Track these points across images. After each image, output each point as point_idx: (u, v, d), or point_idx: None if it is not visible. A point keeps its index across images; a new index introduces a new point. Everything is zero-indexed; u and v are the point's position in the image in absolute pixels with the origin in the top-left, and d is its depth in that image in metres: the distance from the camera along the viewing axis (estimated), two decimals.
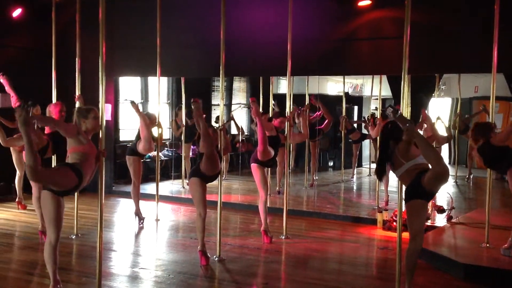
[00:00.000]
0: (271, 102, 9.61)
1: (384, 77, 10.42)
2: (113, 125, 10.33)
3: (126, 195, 9.03)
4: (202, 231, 5.79)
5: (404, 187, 4.82)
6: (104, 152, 4.74)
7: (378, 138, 8.89)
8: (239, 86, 14.43)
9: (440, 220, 7.58)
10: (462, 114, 11.69)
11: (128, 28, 9.70)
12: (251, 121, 13.93)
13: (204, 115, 5.85)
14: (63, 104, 6.58)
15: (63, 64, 7.42)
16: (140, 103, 11.78)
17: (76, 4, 6.83)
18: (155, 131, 7.88)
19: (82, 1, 6.84)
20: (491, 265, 5.61)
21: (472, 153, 5.96)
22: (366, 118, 12.13)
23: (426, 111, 7.86)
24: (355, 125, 12.28)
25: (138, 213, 7.64)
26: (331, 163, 13.81)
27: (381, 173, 4.95)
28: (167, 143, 12.09)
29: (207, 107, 13.04)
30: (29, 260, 5.94)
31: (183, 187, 10.36)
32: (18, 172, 8.21)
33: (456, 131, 11.40)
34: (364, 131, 12.34)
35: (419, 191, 4.58)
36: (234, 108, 13.88)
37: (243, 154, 12.93)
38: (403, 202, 4.75)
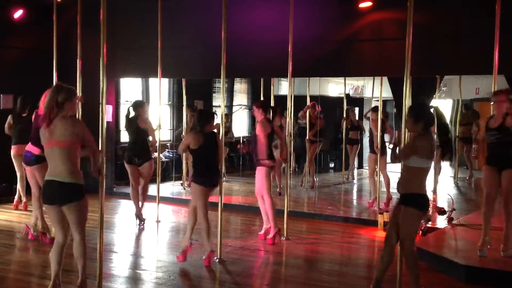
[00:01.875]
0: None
1: (385, 79, 10.40)
2: (114, 127, 10.32)
3: (127, 196, 9.00)
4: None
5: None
6: (106, 154, 4.72)
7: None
8: (240, 88, 14.42)
9: (441, 222, 7.57)
10: (463, 116, 11.70)
11: (129, 29, 9.70)
12: (252, 122, 13.95)
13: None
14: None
15: (64, 65, 7.42)
16: None
17: (78, 6, 6.83)
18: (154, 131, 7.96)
19: (84, 2, 6.84)
20: (492, 266, 5.60)
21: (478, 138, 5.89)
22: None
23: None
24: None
25: (139, 214, 7.64)
26: (331, 165, 13.80)
27: (450, 154, 4.86)
28: (168, 144, 12.09)
29: (209, 109, 13.04)
30: (30, 261, 5.94)
31: (184, 189, 10.36)
32: (18, 174, 8.21)
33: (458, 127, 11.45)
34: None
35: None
36: (235, 110, 13.89)
37: (243, 155, 12.92)
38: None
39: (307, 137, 10.47)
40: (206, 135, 5.83)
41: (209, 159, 5.88)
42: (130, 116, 7.49)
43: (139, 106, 7.52)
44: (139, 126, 7.43)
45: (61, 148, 4.31)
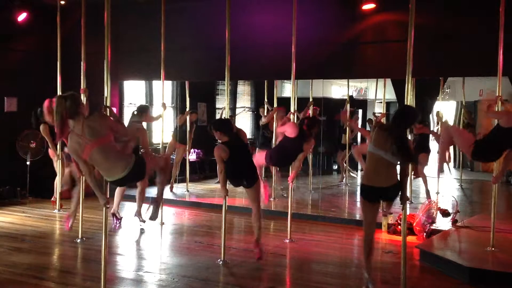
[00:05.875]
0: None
1: (388, 80, 10.41)
2: None
3: (131, 198, 9.03)
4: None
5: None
6: None
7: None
8: (244, 90, 14.44)
9: (445, 224, 7.56)
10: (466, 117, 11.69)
11: (133, 32, 9.72)
12: (256, 124, 13.95)
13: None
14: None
15: (68, 68, 7.45)
16: None
17: (81, 9, 6.86)
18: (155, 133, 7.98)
19: (87, 5, 6.86)
20: (496, 268, 5.59)
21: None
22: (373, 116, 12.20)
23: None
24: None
25: (137, 214, 7.77)
26: (335, 167, 13.78)
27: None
28: None
29: (212, 111, 13.06)
30: (35, 263, 5.94)
31: (187, 191, 10.36)
32: (57, 176, 8.30)
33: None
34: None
35: None
36: (238, 112, 13.90)
37: None
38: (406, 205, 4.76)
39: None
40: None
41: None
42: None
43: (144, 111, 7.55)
44: None
45: (99, 146, 4.44)
